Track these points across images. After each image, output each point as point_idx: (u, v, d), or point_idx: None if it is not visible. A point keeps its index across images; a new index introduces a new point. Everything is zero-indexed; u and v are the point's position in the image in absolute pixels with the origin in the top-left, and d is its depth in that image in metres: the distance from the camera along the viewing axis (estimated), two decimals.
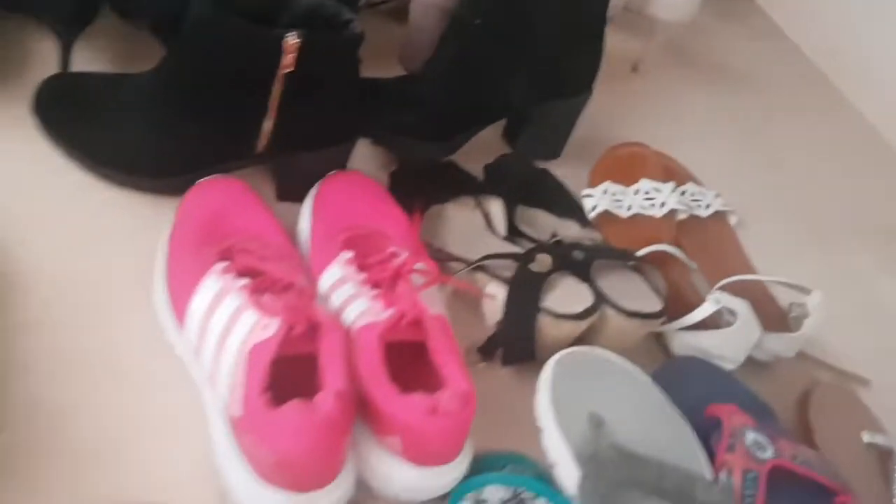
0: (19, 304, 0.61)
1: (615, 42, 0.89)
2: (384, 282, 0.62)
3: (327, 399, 0.51)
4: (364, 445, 0.57)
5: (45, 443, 0.55)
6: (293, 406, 0.51)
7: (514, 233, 0.76)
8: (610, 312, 0.67)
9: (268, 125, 0.68)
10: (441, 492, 0.58)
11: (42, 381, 0.57)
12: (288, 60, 0.64)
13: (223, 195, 0.66)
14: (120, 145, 0.68)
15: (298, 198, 0.72)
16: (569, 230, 0.78)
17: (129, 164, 0.69)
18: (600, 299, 0.67)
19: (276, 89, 0.65)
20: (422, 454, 0.56)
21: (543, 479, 0.60)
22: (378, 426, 0.56)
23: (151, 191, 0.70)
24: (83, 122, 0.69)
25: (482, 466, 0.60)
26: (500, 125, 0.89)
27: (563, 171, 0.86)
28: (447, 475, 0.58)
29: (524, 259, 0.68)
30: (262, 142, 0.69)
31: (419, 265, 0.63)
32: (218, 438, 0.55)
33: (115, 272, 0.65)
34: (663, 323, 0.72)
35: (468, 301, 0.71)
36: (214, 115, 0.67)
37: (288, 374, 0.54)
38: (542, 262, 0.69)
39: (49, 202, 0.67)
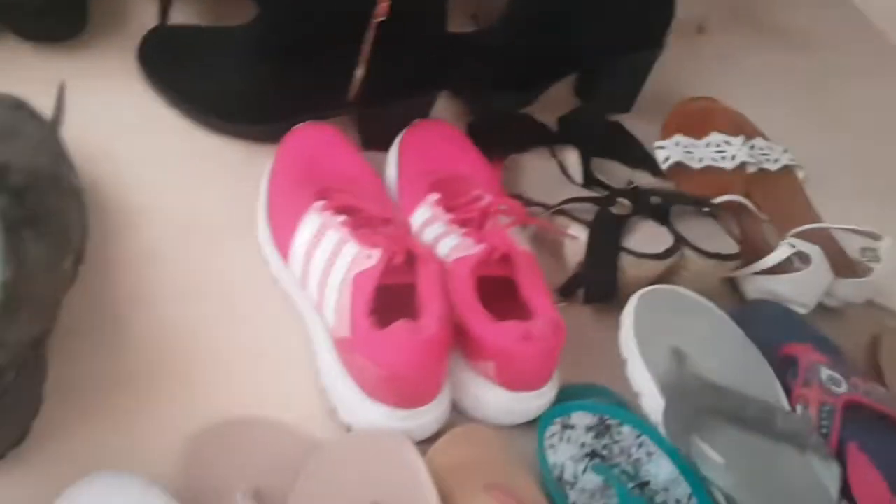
0: (136, 238, 0.65)
1: (681, 2, 0.90)
2: (473, 221, 0.65)
3: (432, 320, 0.55)
4: (458, 371, 0.60)
5: (165, 365, 0.59)
6: (401, 326, 0.54)
7: (590, 181, 0.79)
8: (689, 254, 0.70)
9: (359, 74, 0.71)
10: (530, 416, 0.61)
11: (159, 309, 0.62)
12: (382, 9, 0.67)
13: (318, 140, 0.70)
14: (220, 94, 0.72)
15: (383, 146, 0.75)
16: (643, 180, 0.81)
17: (229, 112, 0.72)
18: (680, 241, 0.70)
19: (369, 38, 0.68)
20: (513, 379, 0.59)
21: (627, 408, 0.63)
22: (472, 352, 0.59)
23: (248, 137, 0.74)
24: (186, 72, 0.72)
25: (567, 398, 0.64)
26: (571, 80, 0.92)
27: (634, 124, 0.89)
28: (537, 400, 0.61)
29: (605, 202, 0.71)
30: (354, 91, 0.72)
31: (504, 206, 0.66)
32: (324, 360, 0.59)
33: (220, 211, 0.69)
34: (738, 267, 0.74)
35: (546, 246, 0.73)
36: (309, 65, 0.71)
37: (386, 302, 0.57)
38: (622, 205, 0.71)
39: (154, 148, 0.71)
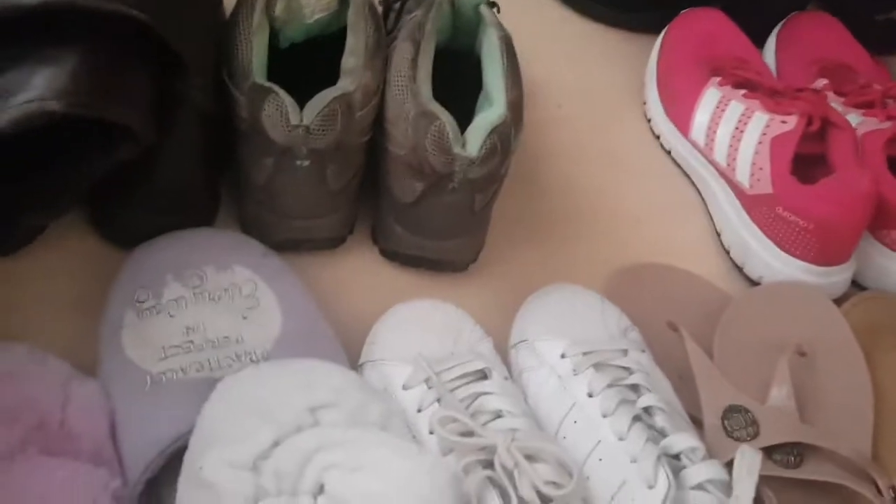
0: (538, 105, 0.70)
1: None
2: (873, 102, 0.65)
3: (863, 177, 0.56)
4: (862, 242, 0.61)
5: (577, 212, 0.64)
6: (834, 180, 0.56)
7: None
8: None
9: None
10: None
11: (565, 164, 0.67)
12: None
13: (707, 23, 0.72)
14: None
15: (756, 38, 0.76)
16: None
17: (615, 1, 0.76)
18: None
19: None
20: None
21: None
22: (882, 222, 0.60)
23: (628, 25, 0.77)
24: None
25: None
26: None
27: None
28: None
29: None
30: None
31: None
32: (731, 220, 0.62)
33: (609, 86, 0.73)
34: None
35: None
36: None
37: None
38: None
39: (546, 31, 0.76)
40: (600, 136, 0.70)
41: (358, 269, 0.57)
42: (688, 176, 0.68)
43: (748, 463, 0.41)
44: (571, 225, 0.63)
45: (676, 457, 0.43)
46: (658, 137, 0.70)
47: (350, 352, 0.50)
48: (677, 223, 0.65)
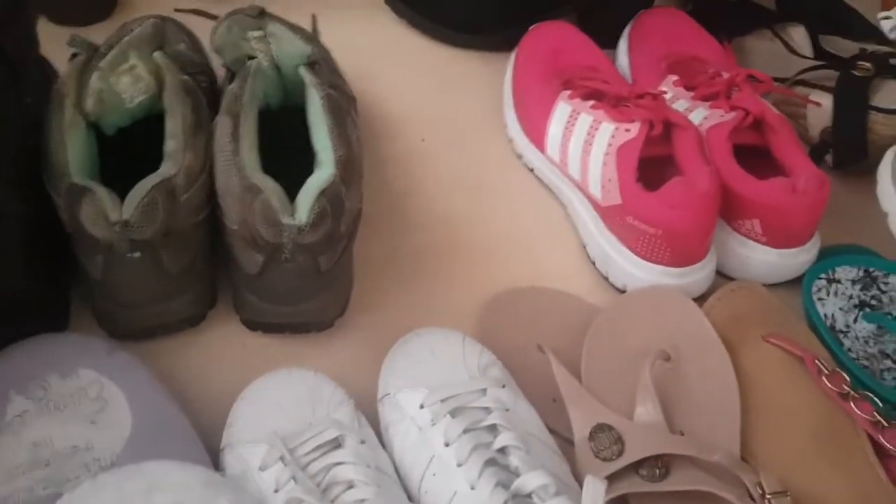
0: (400, 139, 0.71)
1: None
2: (718, 94, 0.67)
3: (703, 176, 0.57)
4: (720, 234, 0.62)
5: (446, 246, 0.64)
6: (675, 183, 0.57)
7: (820, 55, 0.78)
8: None
9: None
10: (796, 273, 0.63)
11: (431, 197, 0.67)
12: None
13: (555, 36, 0.73)
14: (455, 9, 0.77)
15: (607, 42, 0.77)
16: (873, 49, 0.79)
17: (464, 25, 0.77)
18: None
19: None
20: (780, 235, 0.61)
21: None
22: (736, 213, 0.61)
23: (479, 47, 0.78)
24: None
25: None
26: None
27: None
28: (802, 256, 0.62)
29: (846, 65, 0.70)
30: None
31: (751, 77, 0.67)
32: (591, 233, 0.63)
33: (470, 111, 0.74)
34: None
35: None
36: None
37: (643, 174, 0.60)
38: (864, 68, 0.70)
39: (402, 64, 0.77)
40: (465, 163, 0.70)
41: (222, 343, 0.56)
42: (553, 192, 0.68)
43: (592, 493, 0.42)
44: (442, 259, 0.64)
45: (530, 496, 0.43)
46: (520, 157, 0.70)
47: (218, 435, 0.50)
48: (549, 242, 0.66)
